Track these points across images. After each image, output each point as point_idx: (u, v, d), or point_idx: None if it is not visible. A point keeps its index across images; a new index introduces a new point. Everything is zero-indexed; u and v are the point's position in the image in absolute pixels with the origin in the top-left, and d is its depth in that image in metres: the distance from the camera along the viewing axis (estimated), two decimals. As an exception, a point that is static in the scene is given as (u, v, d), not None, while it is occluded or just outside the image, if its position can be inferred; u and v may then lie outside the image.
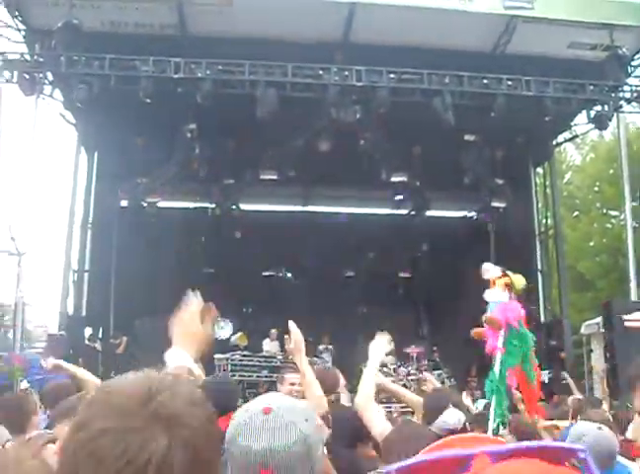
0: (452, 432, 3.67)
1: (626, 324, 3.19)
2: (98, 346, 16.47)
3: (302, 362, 3.77)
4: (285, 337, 3.85)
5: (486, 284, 5.57)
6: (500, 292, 5.41)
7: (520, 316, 5.47)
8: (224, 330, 19.07)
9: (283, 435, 1.64)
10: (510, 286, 5.52)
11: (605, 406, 8.09)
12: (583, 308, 23.81)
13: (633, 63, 15.73)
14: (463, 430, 3.69)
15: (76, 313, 17.16)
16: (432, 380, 6.93)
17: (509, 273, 5.61)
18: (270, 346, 16.48)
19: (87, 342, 16.49)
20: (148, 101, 13.56)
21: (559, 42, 15.13)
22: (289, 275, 20.55)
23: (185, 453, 1.05)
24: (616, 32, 14.70)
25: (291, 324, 3.70)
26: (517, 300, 5.48)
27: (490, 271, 5.55)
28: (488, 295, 5.36)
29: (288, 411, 1.70)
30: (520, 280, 5.55)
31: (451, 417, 3.81)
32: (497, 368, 5.15)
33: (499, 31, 15.13)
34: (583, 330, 19.07)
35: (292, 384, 5.35)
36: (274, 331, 16.56)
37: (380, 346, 4.26)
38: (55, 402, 4.43)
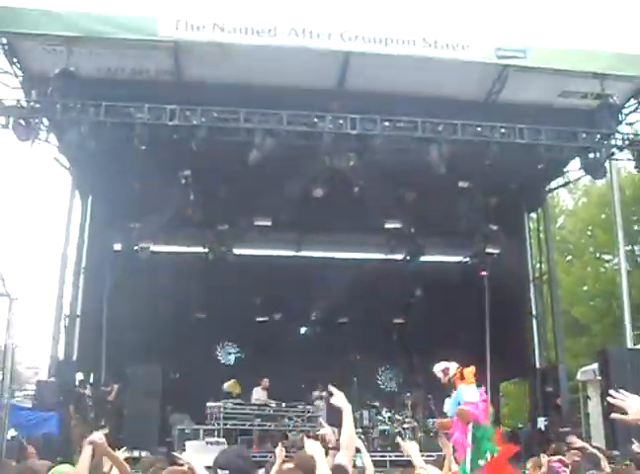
0: None
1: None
2: (88, 392, 16.24)
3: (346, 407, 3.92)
4: (329, 397, 3.88)
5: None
6: (475, 390, 5.35)
7: (487, 412, 5.43)
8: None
9: None
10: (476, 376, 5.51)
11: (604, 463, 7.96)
12: (578, 353, 23.73)
13: (624, 111, 15.90)
14: None
15: (67, 358, 16.94)
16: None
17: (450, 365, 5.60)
18: (259, 394, 16.28)
19: (77, 387, 16.26)
20: (143, 147, 13.58)
21: (551, 91, 15.33)
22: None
23: None
24: (607, 80, 14.87)
25: (333, 389, 3.76)
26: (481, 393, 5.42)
27: (450, 367, 5.51)
28: (466, 394, 5.29)
29: None
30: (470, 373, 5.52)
31: None
32: (468, 467, 5.07)
33: (491, 79, 15.30)
34: (579, 376, 18.99)
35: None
36: (265, 380, 16.39)
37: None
38: None
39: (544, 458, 8.04)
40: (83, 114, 13.57)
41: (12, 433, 13.94)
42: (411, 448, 4.97)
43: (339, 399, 4.00)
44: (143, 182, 16.56)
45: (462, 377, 5.35)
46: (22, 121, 13.66)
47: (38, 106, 13.94)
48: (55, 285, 17.02)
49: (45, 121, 14.40)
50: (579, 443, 10.21)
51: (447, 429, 5.40)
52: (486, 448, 5.09)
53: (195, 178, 16.13)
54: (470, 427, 5.11)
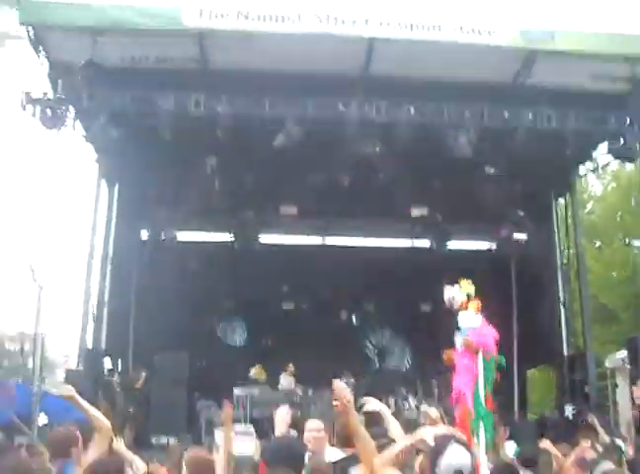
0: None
1: None
2: (117, 379, 16.39)
3: (354, 422, 3.61)
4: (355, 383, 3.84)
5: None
6: (474, 316, 5.28)
7: (495, 340, 5.32)
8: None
9: None
10: (481, 309, 5.42)
11: (631, 450, 7.87)
12: (606, 341, 23.45)
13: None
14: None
15: (95, 346, 17.13)
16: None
17: (463, 285, 5.46)
18: (287, 380, 16.31)
19: (106, 375, 16.43)
20: (168, 137, 13.61)
21: (580, 75, 15.03)
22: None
23: None
24: (638, 64, 14.60)
25: (336, 382, 3.60)
26: (488, 323, 5.34)
27: (455, 296, 5.40)
28: (462, 320, 5.21)
29: None
30: (470, 288, 5.41)
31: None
32: (481, 392, 5.01)
33: (518, 63, 15.06)
34: (607, 363, 18.76)
35: (312, 430, 5.27)
36: (290, 365, 16.43)
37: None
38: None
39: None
40: (108, 103, 13.64)
41: (43, 419, 14.15)
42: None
43: (374, 404, 3.94)
44: (169, 170, 16.63)
45: (466, 307, 5.32)
46: (48, 111, 13.77)
47: (63, 96, 14.00)
48: (83, 274, 17.20)
49: (72, 110, 14.48)
50: (595, 425, 10.13)
51: (453, 361, 5.37)
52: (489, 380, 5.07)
53: (220, 165, 16.15)
54: (480, 356, 5.07)
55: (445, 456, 3.04)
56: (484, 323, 5.30)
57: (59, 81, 14.43)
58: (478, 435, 4.81)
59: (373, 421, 4.71)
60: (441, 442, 3.15)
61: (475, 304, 5.32)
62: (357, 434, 3.74)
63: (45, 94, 14.01)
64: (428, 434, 3.53)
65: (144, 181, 17.39)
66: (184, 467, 4.99)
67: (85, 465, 4.14)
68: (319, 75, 14.49)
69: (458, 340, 5.37)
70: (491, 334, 5.28)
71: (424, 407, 6.61)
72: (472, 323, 5.17)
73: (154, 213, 17.98)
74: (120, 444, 6.24)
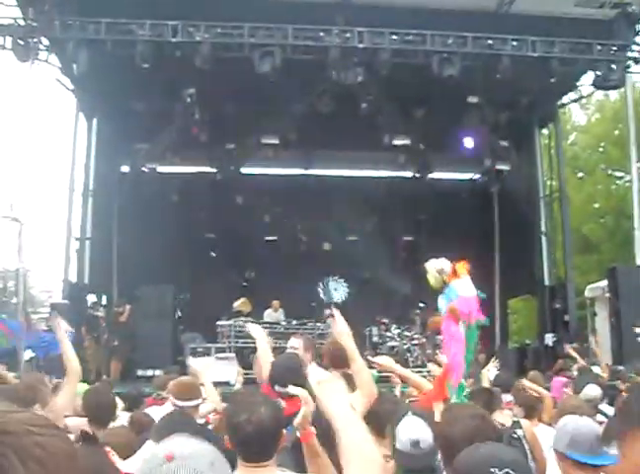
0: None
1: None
2: (101, 313, 16.45)
3: (351, 349, 3.69)
4: (331, 321, 3.73)
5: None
6: (470, 283, 5.21)
7: (478, 309, 5.28)
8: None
9: None
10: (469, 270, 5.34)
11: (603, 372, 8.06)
12: (587, 271, 23.78)
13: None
14: None
15: (79, 281, 17.13)
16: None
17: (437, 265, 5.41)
18: (271, 316, 16.42)
19: (90, 309, 16.48)
20: (145, 66, 13.29)
21: (566, 0, 14.77)
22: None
23: (25, 459, 1.00)
24: (626, -12, 14.35)
25: (336, 312, 3.63)
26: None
27: (444, 268, 5.33)
28: (461, 288, 5.14)
29: (192, 457, 1.57)
30: (445, 264, 5.36)
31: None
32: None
33: (503, -10, 14.78)
34: (587, 293, 19.04)
35: (291, 348, 5.35)
36: (275, 301, 16.51)
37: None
38: None
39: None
40: (82, 31, 13.26)
41: (29, 353, 14.25)
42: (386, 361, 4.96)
43: (339, 324, 3.86)
44: (148, 102, 16.34)
45: (455, 273, 5.26)
46: (20, 41, 13.36)
47: (35, 24, 13.56)
48: (64, 209, 17.07)
49: (45, 41, 14.06)
50: (572, 353, 10.39)
51: (438, 327, 5.38)
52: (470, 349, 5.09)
53: (199, 96, 15.87)
54: (460, 324, 5.06)
55: (403, 427, 3.07)
56: (474, 296, 5.26)
57: (30, 9, 13.97)
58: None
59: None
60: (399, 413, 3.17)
61: (463, 267, 5.24)
62: (354, 360, 3.74)
63: (16, 20, 13.56)
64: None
65: (123, 113, 17.09)
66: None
67: (55, 408, 4.12)
68: (299, 2, 14.13)
69: (442, 304, 5.32)
70: (475, 302, 5.22)
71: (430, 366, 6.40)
72: (468, 292, 5.11)
73: (134, 146, 17.74)
74: None
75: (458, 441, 2.73)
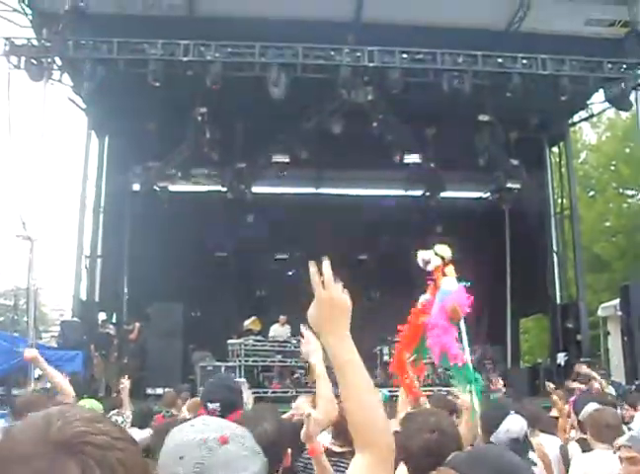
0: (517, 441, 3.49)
1: None
2: (111, 331, 16.45)
3: (319, 369, 3.36)
4: (301, 340, 3.34)
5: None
6: (454, 281, 5.17)
7: (468, 305, 5.21)
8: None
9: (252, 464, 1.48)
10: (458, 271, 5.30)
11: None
12: (599, 289, 23.59)
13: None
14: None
15: (89, 298, 17.14)
16: None
17: (437, 251, 5.32)
18: (277, 331, 16.34)
19: (100, 327, 16.48)
20: (157, 84, 13.39)
21: (576, 19, 14.80)
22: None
23: (104, 468, 0.99)
24: (636, 6, 14.35)
25: (306, 331, 3.27)
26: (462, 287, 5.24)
27: (431, 260, 5.27)
28: (447, 284, 5.10)
29: (246, 437, 1.52)
30: (445, 252, 5.28)
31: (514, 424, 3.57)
32: (468, 355, 4.95)
33: (513, 8, 14.84)
34: (600, 312, 18.90)
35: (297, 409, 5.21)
36: (282, 317, 16.45)
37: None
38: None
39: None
40: (95, 51, 13.38)
41: (39, 371, 14.23)
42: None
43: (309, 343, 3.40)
44: (159, 120, 16.45)
45: (444, 275, 5.22)
46: (34, 61, 13.50)
47: (49, 44, 13.71)
48: (75, 227, 17.12)
49: (58, 61, 14.21)
50: (584, 370, 10.26)
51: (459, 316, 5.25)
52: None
53: (210, 115, 15.93)
54: (462, 325, 5.00)
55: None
56: (460, 288, 5.20)
57: (44, 30, 14.13)
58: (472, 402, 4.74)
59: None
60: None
61: (452, 269, 5.20)
62: (319, 379, 3.40)
63: (29, 40, 13.71)
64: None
65: (134, 132, 17.18)
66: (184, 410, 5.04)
67: None
68: (310, 22, 14.22)
69: (424, 298, 5.30)
70: (465, 298, 5.17)
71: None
72: (453, 287, 5.09)
73: (145, 165, 17.81)
74: None
75: (416, 455, 2.69)
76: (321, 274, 1.89)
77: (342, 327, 1.91)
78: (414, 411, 4.03)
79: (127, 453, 1.04)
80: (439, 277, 5.16)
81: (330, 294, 1.90)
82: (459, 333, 4.95)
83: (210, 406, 3.56)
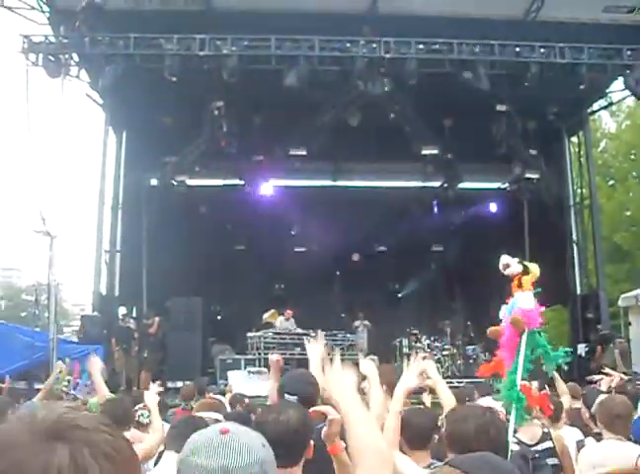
0: None
1: None
2: (132, 325, 16.56)
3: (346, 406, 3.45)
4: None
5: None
6: (531, 297, 5.07)
7: (540, 322, 5.13)
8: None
9: (241, 456, 1.58)
10: (535, 285, 5.19)
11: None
12: (619, 279, 23.42)
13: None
14: None
15: (109, 293, 17.28)
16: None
17: (527, 265, 5.23)
18: (284, 324, 16.31)
19: (120, 321, 16.59)
20: (174, 79, 13.43)
21: (594, 6, 14.65)
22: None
23: (93, 451, 1.01)
24: (655, -8, 14.19)
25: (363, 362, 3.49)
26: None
27: (511, 266, 5.18)
28: (522, 301, 5.01)
29: (246, 434, 1.65)
30: (536, 270, 5.20)
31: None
32: (519, 375, 4.82)
33: (530, -2, 14.69)
34: (620, 302, 18.74)
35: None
36: (289, 311, 16.43)
37: (408, 380, 3.73)
38: None
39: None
40: (112, 47, 13.44)
41: (60, 365, 14.35)
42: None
43: (366, 366, 3.65)
44: (176, 115, 16.50)
45: (520, 285, 5.12)
46: (51, 58, 13.58)
47: (66, 41, 13.79)
48: (94, 222, 17.24)
49: (75, 57, 14.29)
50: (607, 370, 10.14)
51: (498, 336, 5.20)
52: (538, 353, 4.93)
53: (227, 109, 15.96)
54: (524, 336, 4.91)
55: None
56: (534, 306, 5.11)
57: (61, 27, 14.21)
58: (509, 415, 4.68)
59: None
60: None
61: (528, 282, 5.09)
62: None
63: (47, 37, 13.80)
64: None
65: (151, 127, 17.24)
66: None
67: None
68: (326, 14, 14.18)
69: (504, 313, 5.19)
70: (538, 316, 5.09)
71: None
72: (529, 305, 5.00)
73: (162, 159, 17.87)
74: None
75: (470, 439, 2.80)
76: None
77: (347, 390, 2.27)
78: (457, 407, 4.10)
79: (114, 437, 1.07)
80: (514, 286, 5.09)
81: (335, 374, 2.32)
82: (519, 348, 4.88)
83: (287, 397, 3.60)
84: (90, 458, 1.00)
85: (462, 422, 2.95)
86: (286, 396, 3.64)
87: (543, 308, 5.09)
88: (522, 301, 4.97)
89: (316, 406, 3.24)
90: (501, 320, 5.18)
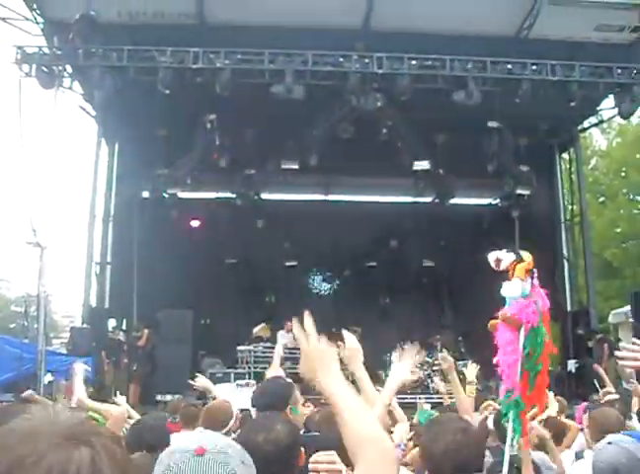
0: None
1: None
2: (121, 337, 16.49)
3: (359, 372, 3.32)
4: (339, 343, 3.20)
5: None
6: (518, 285, 4.73)
7: (543, 310, 4.73)
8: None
9: None
10: (530, 272, 4.84)
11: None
12: (610, 296, 23.51)
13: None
14: None
15: (99, 305, 17.21)
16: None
17: (520, 252, 4.94)
18: (285, 338, 16.29)
19: (110, 333, 16.53)
20: (167, 92, 13.46)
21: (585, 25, 14.76)
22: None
23: (110, 459, 1.09)
24: (645, 12, 14.33)
25: (346, 333, 3.23)
26: (541, 287, 4.77)
27: (503, 259, 4.87)
28: (505, 290, 4.71)
29: (223, 453, 1.58)
30: (529, 257, 4.90)
31: None
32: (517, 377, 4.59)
33: (523, 14, 14.80)
34: (610, 318, 18.84)
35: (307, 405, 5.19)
36: (289, 323, 16.39)
37: (401, 372, 3.65)
38: None
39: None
40: (105, 59, 13.46)
41: (49, 378, 14.27)
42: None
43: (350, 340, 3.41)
44: (169, 127, 16.51)
45: (512, 272, 4.83)
46: (45, 69, 13.60)
47: (59, 52, 13.82)
48: (85, 234, 17.20)
49: (69, 69, 14.31)
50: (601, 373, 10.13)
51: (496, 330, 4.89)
52: (536, 355, 4.58)
53: (220, 122, 15.98)
54: (522, 332, 4.56)
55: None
56: (535, 289, 4.70)
57: (54, 38, 14.24)
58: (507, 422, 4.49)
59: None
60: None
61: (522, 267, 4.70)
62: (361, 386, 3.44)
63: (41, 48, 13.82)
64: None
65: (144, 139, 17.24)
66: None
67: None
68: (319, 28, 14.25)
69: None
70: (535, 306, 4.65)
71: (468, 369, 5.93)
72: (517, 292, 4.62)
73: (155, 172, 17.86)
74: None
75: (440, 457, 2.76)
76: (304, 329, 2.09)
77: (332, 372, 2.07)
78: (436, 416, 4.06)
79: (119, 447, 1.15)
80: (512, 275, 4.71)
81: (314, 347, 2.10)
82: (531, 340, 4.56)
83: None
84: (107, 465, 1.07)
85: (432, 441, 2.87)
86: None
87: (541, 291, 4.72)
88: (506, 290, 4.63)
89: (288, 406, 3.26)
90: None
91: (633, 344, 2.97)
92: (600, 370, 10.72)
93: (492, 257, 4.74)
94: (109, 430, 1.20)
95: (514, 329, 4.45)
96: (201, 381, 6.42)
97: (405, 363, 3.67)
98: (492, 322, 4.73)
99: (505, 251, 4.78)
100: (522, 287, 4.53)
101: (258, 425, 2.76)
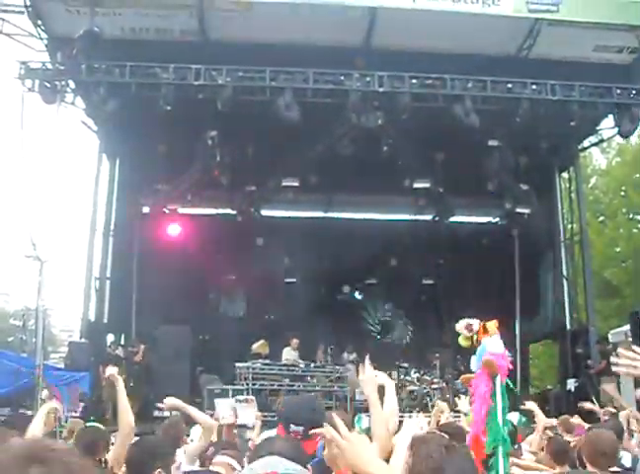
0: None
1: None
2: (120, 352, 16.45)
3: (372, 397, 3.56)
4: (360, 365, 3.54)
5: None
6: (499, 341, 5.00)
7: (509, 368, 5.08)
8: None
9: None
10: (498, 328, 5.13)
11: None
12: (609, 315, 23.45)
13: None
14: None
15: (98, 320, 17.18)
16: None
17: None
18: (290, 354, 16.29)
19: (108, 348, 16.49)
20: (169, 108, 13.53)
21: (585, 45, 14.90)
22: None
23: (65, 472, 1.13)
24: (643, 34, 14.45)
25: (367, 361, 3.59)
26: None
27: (473, 324, 5.14)
28: (491, 345, 4.93)
29: None
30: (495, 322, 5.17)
31: None
32: (500, 418, 4.74)
33: (523, 34, 14.93)
34: (610, 338, 18.75)
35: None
36: (295, 340, 16.39)
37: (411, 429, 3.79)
38: None
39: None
40: (108, 75, 13.55)
41: (45, 393, 14.23)
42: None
43: (381, 377, 3.80)
44: (170, 143, 16.55)
45: (485, 331, 5.07)
46: (47, 84, 13.68)
47: (63, 68, 13.91)
48: (85, 248, 17.21)
49: (72, 84, 14.40)
50: (588, 406, 10.13)
51: (470, 384, 5.13)
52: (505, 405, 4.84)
53: (221, 139, 16.02)
54: (498, 380, 4.84)
55: None
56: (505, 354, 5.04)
57: (58, 54, 14.32)
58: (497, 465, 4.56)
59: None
60: None
61: (493, 324, 5.00)
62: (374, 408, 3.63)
63: (44, 64, 13.92)
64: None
65: (145, 155, 17.30)
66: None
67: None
68: (320, 47, 14.36)
69: (474, 363, 5.09)
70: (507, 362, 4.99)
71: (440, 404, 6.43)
72: (498, 349, 4.90)
73: (155, 187, 17.90)
74: None
75: None
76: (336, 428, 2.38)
77: (371, 462, 2.39)
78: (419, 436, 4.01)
79: (83, 459, 1.21)
80: (480, 334, 4.96)
81: (351, 443, 2.38)
82: (494, 392, 4.76)
83: (293, 428, 3.54)
84: None
85: (419, 464, 2.83)
86: (292, 427, 3.57)
87: (509, 354, 5.01)
88: (491, 345, 4.85)
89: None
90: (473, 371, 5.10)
91: (633, 351, 2.97)
92: (614, 393, 10.67)
93: (462, 324, 4.96)
94: (65, 443, 1.22)
95: (489, 377, 4.65)
96: (171, 402, 6.28)
97: (415, 421, 3.95)
98: (465, 377, 4.96)
99: (470, 320, 5.04)
100: (501, 345, 4.79)
101: (265, 449, 2.72)
